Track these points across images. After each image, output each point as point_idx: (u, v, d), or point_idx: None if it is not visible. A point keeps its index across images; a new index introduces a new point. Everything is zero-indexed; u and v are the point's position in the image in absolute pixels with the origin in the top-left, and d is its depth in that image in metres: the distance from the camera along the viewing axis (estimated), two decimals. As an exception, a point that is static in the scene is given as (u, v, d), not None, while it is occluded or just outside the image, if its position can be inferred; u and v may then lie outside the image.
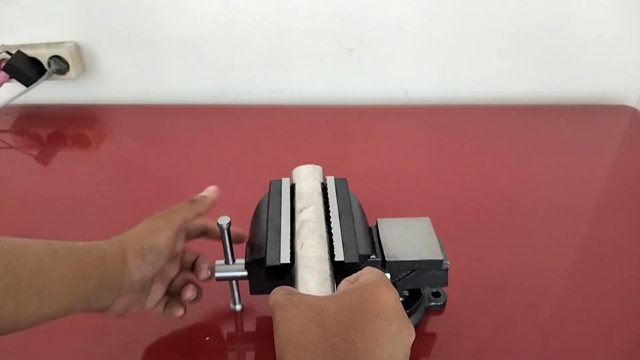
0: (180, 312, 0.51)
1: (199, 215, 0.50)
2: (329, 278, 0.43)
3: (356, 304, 0.33)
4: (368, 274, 0.37)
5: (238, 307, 0.55)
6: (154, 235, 0.46)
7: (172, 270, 0.51)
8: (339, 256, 0.45)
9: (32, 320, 0.39)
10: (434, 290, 0.57)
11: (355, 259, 0.45)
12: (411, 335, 0.33)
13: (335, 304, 0.33)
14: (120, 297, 0.45)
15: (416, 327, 0.53)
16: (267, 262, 0.46)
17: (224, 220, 0.48)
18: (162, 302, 0.51)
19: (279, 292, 0.36)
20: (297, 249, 0.46)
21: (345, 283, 0.38)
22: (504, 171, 0.81)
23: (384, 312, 0.33)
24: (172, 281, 0.52)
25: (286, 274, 0.45)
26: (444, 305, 0.57)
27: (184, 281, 0.52)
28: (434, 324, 0.55)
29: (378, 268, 0.48)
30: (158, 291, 0.50)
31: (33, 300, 0.38)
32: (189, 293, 0.51)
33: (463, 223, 0.69)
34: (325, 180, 0.55)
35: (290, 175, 0.56)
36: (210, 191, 0.52)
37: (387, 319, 0.32)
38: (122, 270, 0.44)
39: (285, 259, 0.45)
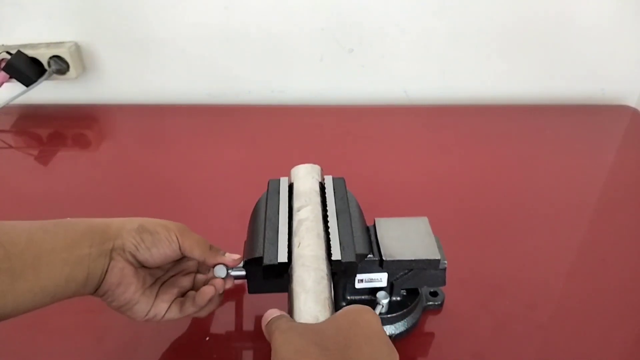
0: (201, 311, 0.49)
1: (202, 259, 0.48)
2: (325, 277, 0.43)
3: (350, 327, 0.35)
4: (349, 306, 0.39)
5: (223, 273, 0.50)
6: (159, 225, 0.46)
7: (185, 280, 0.50)
8: (336, 255, 0.45)
9: (31, 296, 0.38)
10: (431, 290, 0.57)
11: (352, 258, 0.45)
12: (397, 358, 0.35)
13: (332, 326, 0.36)
14: (114, 259, 0.44)
15: (413, 326, 0.53)
16: (264, 261, 0.46)
17: (221, 273, 0.48)
18: (176, 304, 0.48)
19: (281, 319, 0.38)
20: (295, 248, 0.46)
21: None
22: (504, 171, 0.81)
23: (376, 335, 0.35)
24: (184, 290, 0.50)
25: (283, 273, 0.45)
26: (441, 305, 0.57)
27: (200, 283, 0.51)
28: (433, 324, 0.55)
29: (376, 267, 0.49)
30: (169, 294, 0.48)
31: (27, 272, 0.38)
32: (208, 291, 0.48)
33: (462, 223, 0.69)
34: (323, 179, 0.55)
35: (289, 174, 0.56)
36: (232, 258, 0.50)
37: (380, 341, 0.35)
38: (115, 233, 0.44)
39: (282, 257, 0.45)
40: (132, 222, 0.46)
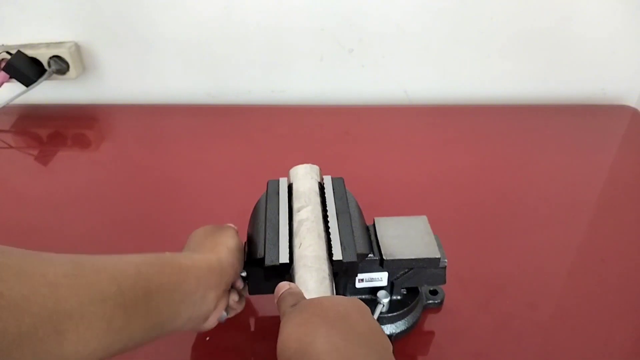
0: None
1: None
2: (327, 277, 0.43)
3: (347, 303, 0.37)
4: None
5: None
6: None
7: None
8: (337, 255, 0.45)
9: (143, 332, 0.38)
10: (431, 289, 0.57)
11: (353, 258, 0.46)
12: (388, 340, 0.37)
13: (330, 299, 0.38)
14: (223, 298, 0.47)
15: (414, 325, 0.53)
16: (266, 262, 0.46)
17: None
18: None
19: (287, 300, 0.38)
20: (296, 249, 0.46)
21: None
22: (504, 171, 0.81)
23: (368, 312, 0.38)
24: None
25: (285, 274, 0.45)
26: (441, 303, 0.57)
27: None
28: (433, 323, 0.55)
29: (376, 267, 0.49)
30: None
31: (140, 307, 0.37)
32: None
33: (463, 223, 0.69)
34: (322, 179, 0.55)
35: (287, 175, 0.56)
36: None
37: (372, 317, 0.38)
38: (220, 269, 0.46)
39: (284, 258, 0.45)
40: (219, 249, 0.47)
